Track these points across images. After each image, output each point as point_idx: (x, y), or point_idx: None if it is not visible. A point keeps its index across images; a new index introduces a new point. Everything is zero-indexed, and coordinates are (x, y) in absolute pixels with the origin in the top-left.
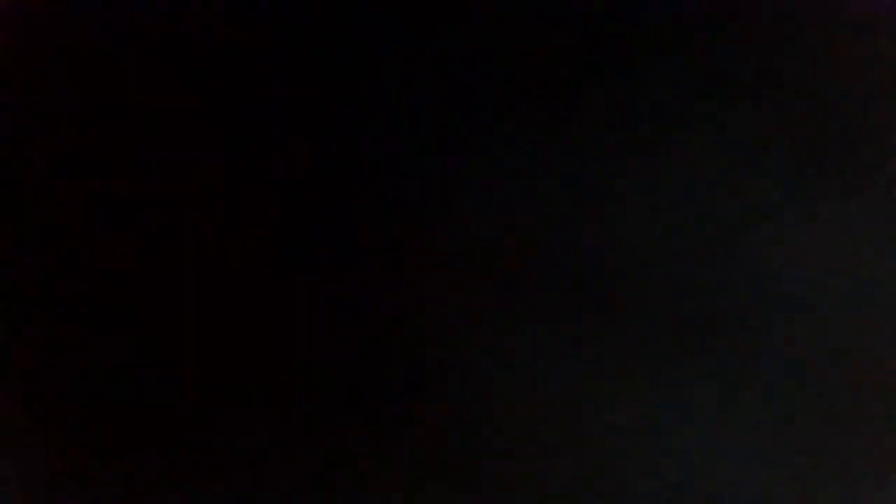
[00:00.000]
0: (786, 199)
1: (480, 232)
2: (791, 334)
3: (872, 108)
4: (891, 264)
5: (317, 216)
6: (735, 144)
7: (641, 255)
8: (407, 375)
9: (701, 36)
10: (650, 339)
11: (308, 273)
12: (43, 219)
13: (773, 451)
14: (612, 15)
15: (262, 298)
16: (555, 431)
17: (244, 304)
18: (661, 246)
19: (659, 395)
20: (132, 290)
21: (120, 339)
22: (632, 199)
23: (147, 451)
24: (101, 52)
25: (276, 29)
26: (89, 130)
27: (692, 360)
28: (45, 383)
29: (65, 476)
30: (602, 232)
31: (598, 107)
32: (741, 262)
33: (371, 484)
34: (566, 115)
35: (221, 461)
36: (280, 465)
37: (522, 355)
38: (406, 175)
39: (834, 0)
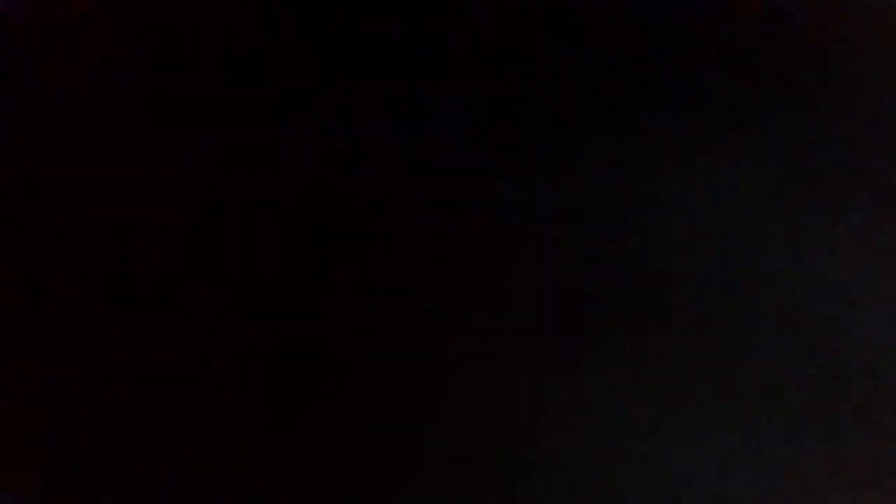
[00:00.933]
0: (800, 211)
1: (498, 242)
2: (802, 346)
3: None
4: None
5: (343, 223)
6: (753, 159)
7: (656, 266)
8: (426, 383)
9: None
10: (666, 353)
11: (329, 280)
12: (44, 218)
13: (782, 460)
14: (640, 28)
15: (281, 305)
16: (570, 440)
17: (263, 313)
18: (674, 259)
19: (672, 406)
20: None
21: (135, 341)
22: (647, 212)
23: (151, 454)
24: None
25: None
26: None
27: (707, 370)
28: (44, 383)
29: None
30: (618, 244)
31: (617, 125)
32: (752, 272)
33: (387, 488)
34: (584, 133)
35: (236, 464)
36: (294, 468)
37: (538, 368)
38: (428, 189)
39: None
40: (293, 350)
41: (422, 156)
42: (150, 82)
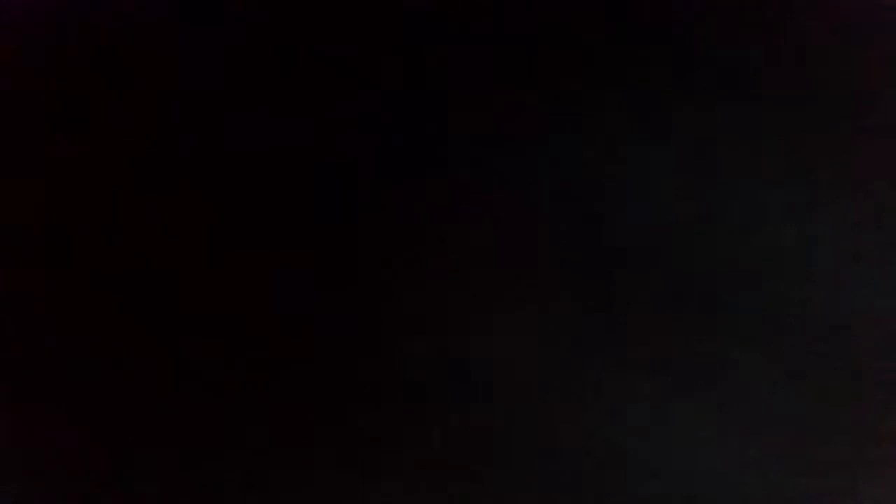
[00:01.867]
0: (788, 198)
1: (488, 229)
2: (789, 332)
3: (874, 109)
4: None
5: (334, 216)
6: (736, 142)
7: (646, 253)
8: (414, 375)
9: (705, 37)
10: (656, 337)
11: (326, 274)
12: (46, 219)
13: (775, 449)
14: (615, 17)
15: (276, 298)
16: (561, 428)
17: (260, 306)
18: (664, 244)
19: (665, 392)
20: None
21: (135, 337)
22: (636, 197)
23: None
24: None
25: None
26: (93, 131)
27: (698, 357)
28: (45, 380)
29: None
30: (608, 229)
31: (598, 108)
32: (742, 259)
33: (384, 483)
34: (567, 116)
35: (235, 460)
36: (294, 463)
37: (528, 354)
38: (416, 176)
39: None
40: (294, 348)
41: (416, 150)
42: (149, 81)
